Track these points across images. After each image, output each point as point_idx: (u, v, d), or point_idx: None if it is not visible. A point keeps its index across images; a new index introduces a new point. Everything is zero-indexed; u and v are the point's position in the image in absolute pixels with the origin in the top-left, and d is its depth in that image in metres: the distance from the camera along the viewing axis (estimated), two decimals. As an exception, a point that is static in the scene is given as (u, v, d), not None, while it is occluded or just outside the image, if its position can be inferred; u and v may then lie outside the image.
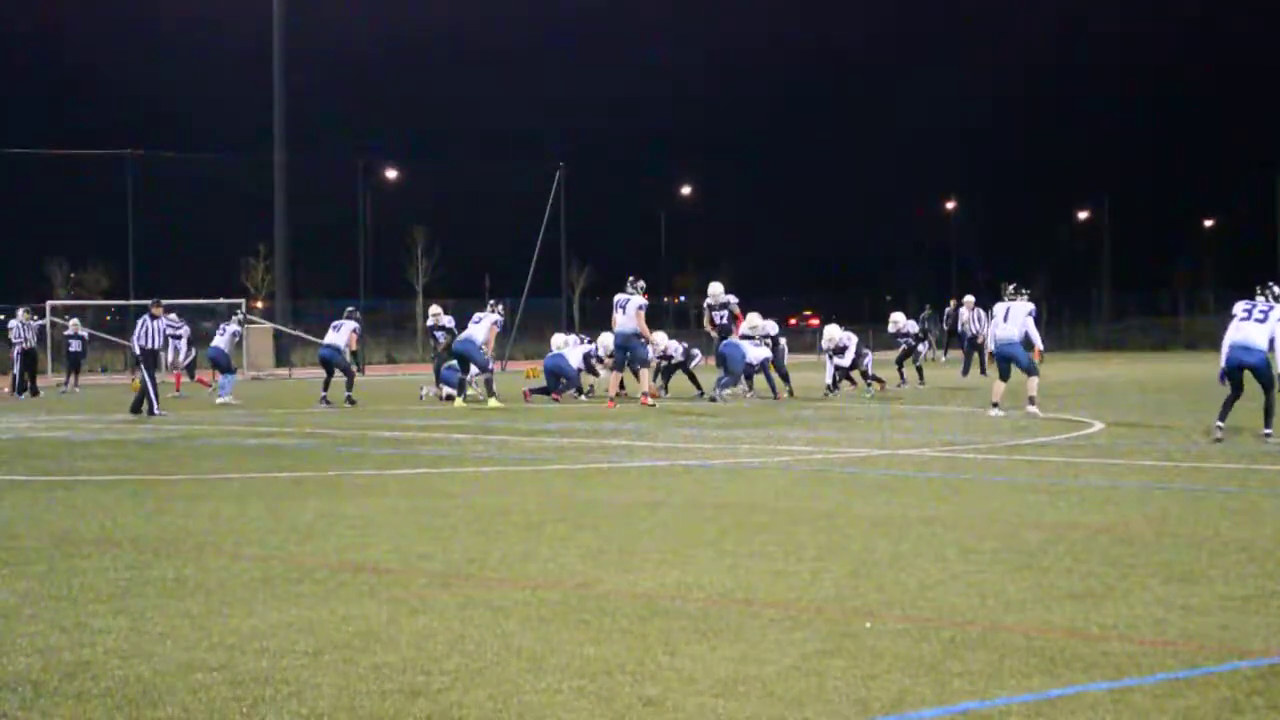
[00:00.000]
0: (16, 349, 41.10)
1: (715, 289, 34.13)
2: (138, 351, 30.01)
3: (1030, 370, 25.08)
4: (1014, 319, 25.32)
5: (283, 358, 59.40)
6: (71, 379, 44.23)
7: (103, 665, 7.43)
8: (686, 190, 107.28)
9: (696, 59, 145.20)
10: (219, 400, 34.62)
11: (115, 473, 17.90)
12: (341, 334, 33.66)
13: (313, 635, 8.08)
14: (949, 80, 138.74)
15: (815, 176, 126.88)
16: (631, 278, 30.58)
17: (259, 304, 67.33)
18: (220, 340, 36.39)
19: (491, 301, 33.59)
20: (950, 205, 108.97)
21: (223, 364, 35.93)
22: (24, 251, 78.68)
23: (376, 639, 7.98)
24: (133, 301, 55.97)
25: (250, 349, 56.54)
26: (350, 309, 35.00)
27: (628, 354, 30.76)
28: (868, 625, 8.21)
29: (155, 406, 29.23)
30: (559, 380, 33.42)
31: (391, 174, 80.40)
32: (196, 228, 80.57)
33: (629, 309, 30.34)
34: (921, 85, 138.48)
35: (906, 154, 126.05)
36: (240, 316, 40.54)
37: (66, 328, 47.05)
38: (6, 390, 41.19)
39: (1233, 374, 20.22)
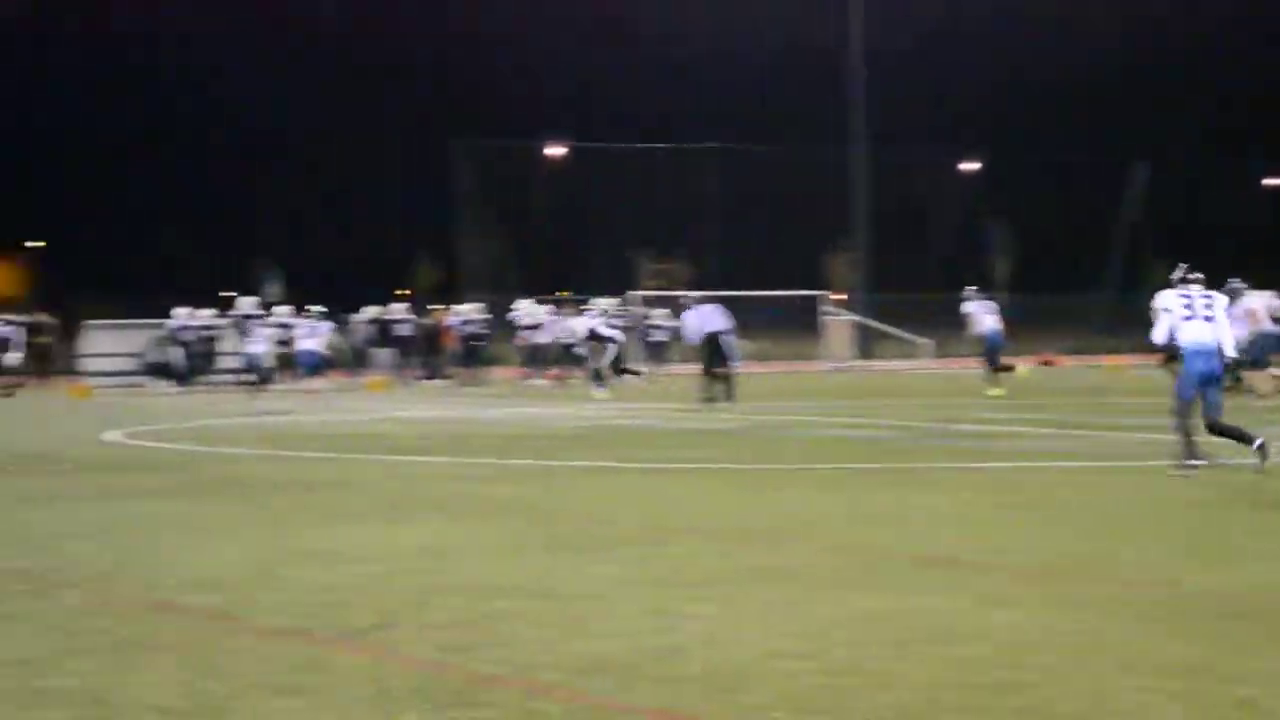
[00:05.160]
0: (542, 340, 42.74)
1: None
2: (697, 341, 30.44)
3: None
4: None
5: (864, 349, 59.93)
6: (654, 368, 45.60)
7: (692, 650, 7.56)
8: None
9: None
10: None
11: (702, 461, 18.29)
12: None
13: (896, 626, 8.08)
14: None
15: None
16: None
17: (840, 296, 67.91)
18: (311, 342, 35.44)
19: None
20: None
21: (314, 365, 34.91)
22: (612, 243, 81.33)
23: (961, 632, 7.93)
24: (713, 292, 57.23)
25: (830, 340, 57.32)
26: None
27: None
28: None
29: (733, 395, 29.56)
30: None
31: (970, 165, 79.93)
32: (777, 220, 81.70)
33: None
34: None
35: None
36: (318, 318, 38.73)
37: (650, 317, 48.60)
38: (544, 379, 42.64)
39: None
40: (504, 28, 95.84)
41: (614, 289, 53.17)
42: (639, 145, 73.23)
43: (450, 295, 63.47)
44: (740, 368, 32.86)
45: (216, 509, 13.75)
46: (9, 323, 43.56)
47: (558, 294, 55.14)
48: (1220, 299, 16.21)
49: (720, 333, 29.90)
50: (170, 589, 9.40)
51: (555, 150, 79.25)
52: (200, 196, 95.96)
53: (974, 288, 34.94)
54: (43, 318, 49.00)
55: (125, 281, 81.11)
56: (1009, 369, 33.97)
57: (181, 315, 44.47)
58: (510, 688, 6.88)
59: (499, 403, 33.31)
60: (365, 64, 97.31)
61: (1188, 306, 15.86)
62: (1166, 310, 16.15)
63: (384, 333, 46.25)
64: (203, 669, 7.21)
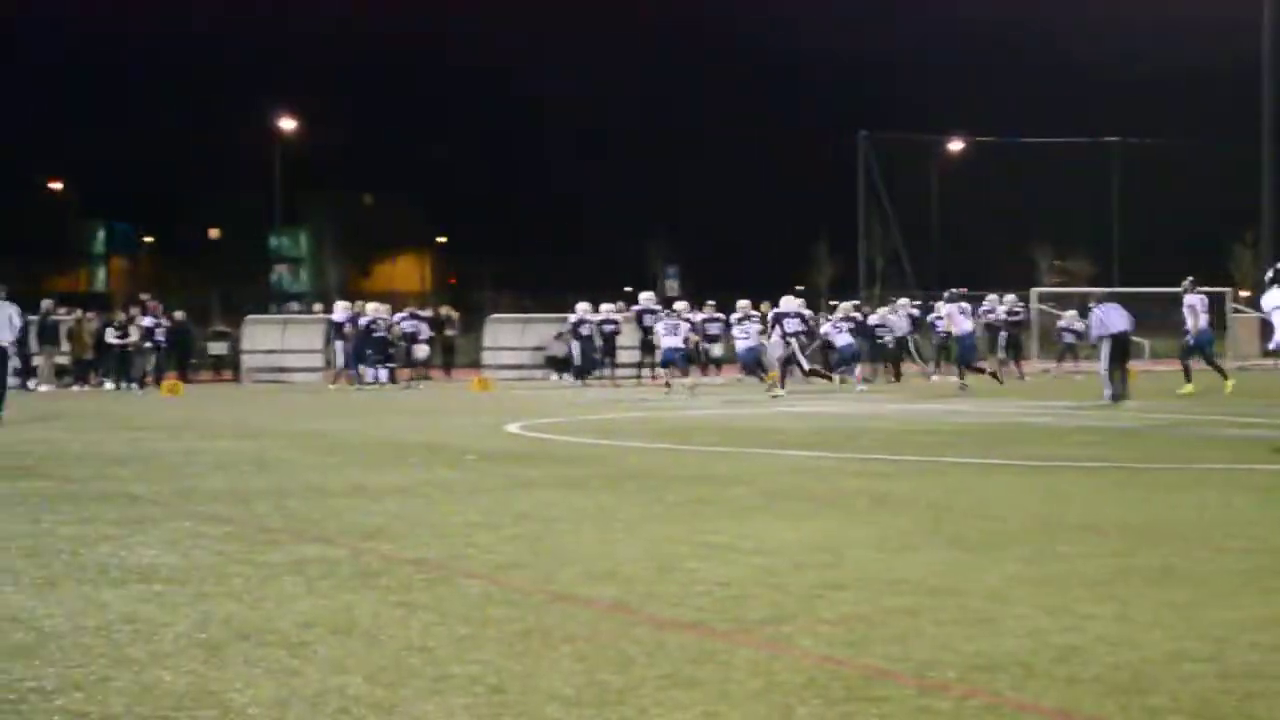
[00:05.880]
0: (1002, 334, 42.42)
1: None
2: (1097, 341, 30.20)
3: None
4: None
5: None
6: (1057, 366, 45.04)
7: (1091, 651, 7.44)
8: None
9: None
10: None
11: (1096, 459, 18.00)
12: None
13: (1303, 632, 7.84)
14: None
15: None
16: None
17: (1244, 292, 66.02)
18: (674, 339, 35.87)
19: None
20: None
21: (748, 363, 34.87)
22: (1012, 239, 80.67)
23: (1372, 640, 7.66)
24: (1116, 289, 56.28)
25: (1235, 338, 55.93)
26: None
27: None
28: None
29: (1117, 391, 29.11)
30: None
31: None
32: (1180, 216, 79.99)
33: None
34: None
35: None
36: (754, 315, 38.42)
37: (1061, 318, 48.07)
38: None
39: None
40: (910, 26, 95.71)
41: (1014, 286, 52.66)
42: (1039, 140, 72.39)
43: (848, 291, 63.60)
44: (1142, 366, 32.32)
45: (614, 501, 14.00)
46: (415, 317, 45.07)
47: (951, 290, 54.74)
48: None
49: (1125, 332, 29.48)
50: (569, 580, 9.60)
51: (956, 144, 78.82)
52: (602, 192, 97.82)
53: (1192, 279, 33.92)
54: (447, 311, 50.57)
55: (527, 276, 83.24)
56: (1221, 372, 33.23)
57: (582, 309, 45.33)
58: (904, 684, 6.86)
59: (888, 398, 33.19)
60: (774, 60, 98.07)
61: None
62: (1278, 308, 16.38)
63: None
64: (600, 660, 7.35)
